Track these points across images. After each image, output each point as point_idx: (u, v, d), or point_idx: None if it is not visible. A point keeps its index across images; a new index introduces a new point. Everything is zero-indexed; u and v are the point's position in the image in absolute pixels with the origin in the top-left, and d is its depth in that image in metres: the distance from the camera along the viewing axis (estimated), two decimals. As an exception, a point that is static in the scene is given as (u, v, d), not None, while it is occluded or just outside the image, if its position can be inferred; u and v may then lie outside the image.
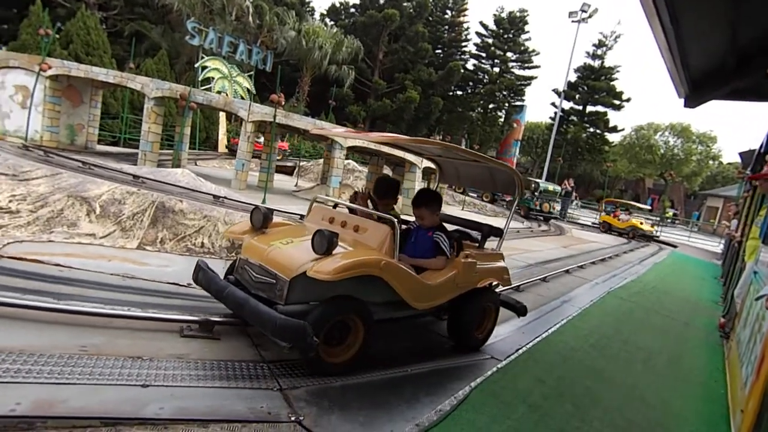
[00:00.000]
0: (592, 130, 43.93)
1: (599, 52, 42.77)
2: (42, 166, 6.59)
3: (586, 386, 3.32)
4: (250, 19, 25.55)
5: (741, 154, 14.93)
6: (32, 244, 4.71)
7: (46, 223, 5.34)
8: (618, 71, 42.41)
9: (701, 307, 7.31)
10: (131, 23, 24.89)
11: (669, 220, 32.63)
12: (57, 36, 15.40)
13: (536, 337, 4.18)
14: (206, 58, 14.62)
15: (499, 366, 3.34)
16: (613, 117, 43.39)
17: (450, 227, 3.88)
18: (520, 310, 4.12)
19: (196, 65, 14.63)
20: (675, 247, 17.84)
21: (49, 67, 12.09)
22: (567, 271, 8.16)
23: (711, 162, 44.90)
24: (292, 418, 2.24)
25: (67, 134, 13.59)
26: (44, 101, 12.46)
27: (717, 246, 20.89)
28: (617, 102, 42.26)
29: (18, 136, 11.87)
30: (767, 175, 5.29)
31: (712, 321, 6.23)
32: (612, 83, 42.20)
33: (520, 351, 3.76)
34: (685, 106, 4.80)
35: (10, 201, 5.47)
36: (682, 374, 4.03)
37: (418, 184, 14.38)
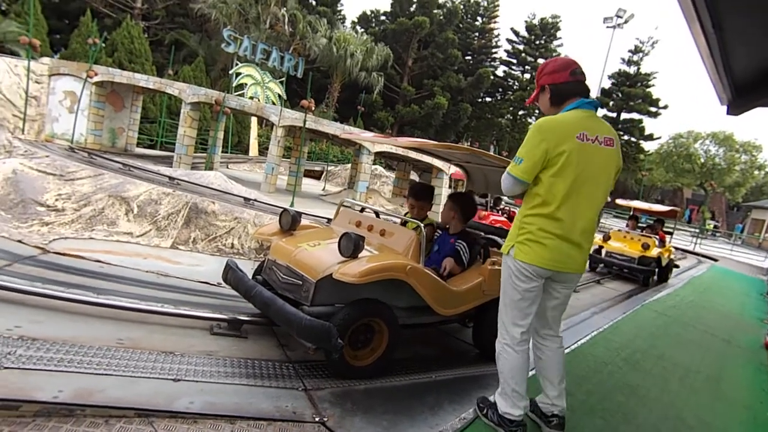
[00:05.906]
0: (626, 137, 42.65)
1: (635, 58, 41.61)
2: (86, 167, 6.91)
3: (617, 402, 3.20)
4: (284, 27, 26.15)
5: None
6: (75, 240, 4.95)
7: (89, 221, 5.60)
8: (655, 77, 41.24)
9: (744, 323, 6.95)
10: (171, 32, 25.92)
11: (709, 233, 31.26)
12: (103, 45, 16.18)
13: (564, 349, 4.07)
14: (240, 64, 15.04)
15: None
16: (650, 124, 42.23)
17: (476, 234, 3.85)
18: (549, 320, 4.03)
19: (231, 72, 15.06)
20: (715, 260, 17.04)
21: (96, 74, 12.71)
22: (598, 282, 7.94)
23: (756, 172, 42.83)
24: (317, 419, 2.26)
25: (109, 137, 14.25)
26: (90, 106, 13.12)
27: (763, 260, 19.83)
28: (654, 109, 40.96)
29: (65, 139, 12.53)
30: None
31: (758, 339, 5.90)
32: (648, 90, 40.96)
33: (548, 362, 3.66)
34: (728, 113, 4.60)
35: (56, 200, 5.77)
36: (723, 394, 3.83)
37: (446, 191, 14.32)
